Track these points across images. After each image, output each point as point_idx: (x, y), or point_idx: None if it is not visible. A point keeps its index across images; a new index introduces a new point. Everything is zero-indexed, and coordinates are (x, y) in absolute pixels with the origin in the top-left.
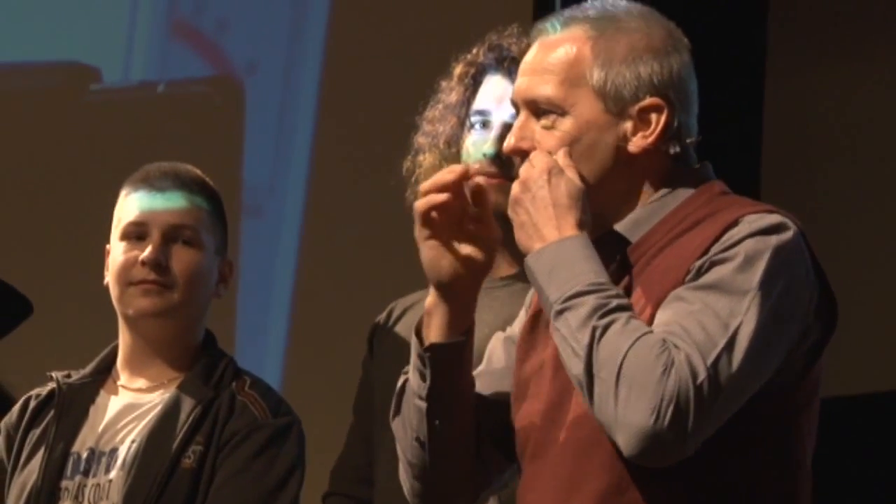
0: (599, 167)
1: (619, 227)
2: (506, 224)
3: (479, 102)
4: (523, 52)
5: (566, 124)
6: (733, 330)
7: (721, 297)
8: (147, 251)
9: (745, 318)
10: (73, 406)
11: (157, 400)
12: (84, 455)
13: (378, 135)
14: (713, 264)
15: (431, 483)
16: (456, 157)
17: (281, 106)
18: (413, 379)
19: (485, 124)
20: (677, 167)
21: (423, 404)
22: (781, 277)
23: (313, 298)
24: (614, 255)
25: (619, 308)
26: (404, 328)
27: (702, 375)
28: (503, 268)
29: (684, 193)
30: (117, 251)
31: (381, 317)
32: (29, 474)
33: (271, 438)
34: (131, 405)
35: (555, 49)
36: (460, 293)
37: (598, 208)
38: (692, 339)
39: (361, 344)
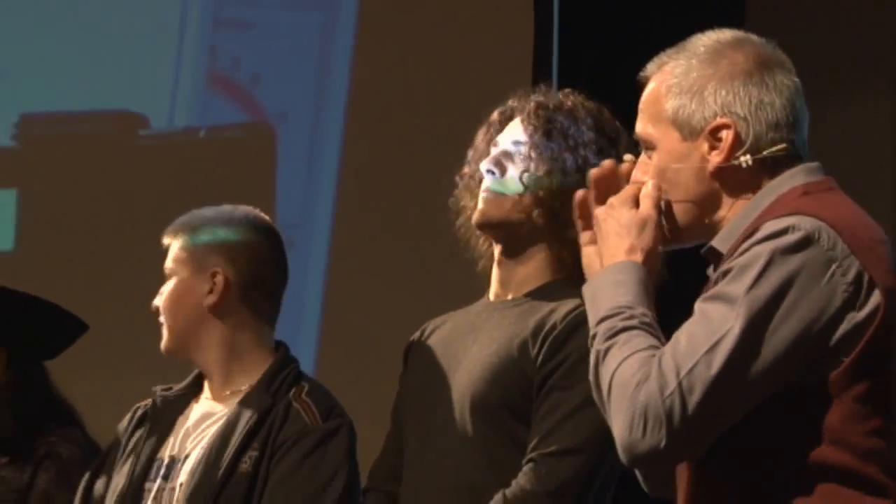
0: (687, 190)
1: (714, 240)
2: (508, 247)
3: (498, 137)
4: (542, 103)
5: (656, 157)
6: (718, 337)
7: (717, 306)
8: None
9: (734, 324)
10: (164, 416)
11: (227, 409)
12: (166, 461)
13: (395, 174)
14: (723, 274)
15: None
16: (477, 188)
17: (309, 149)
18: None
19: None
20: (765, 176)
21: None
22: (774, 281)
23: (340, 324)
24: (716, 266)
25: (624, 329)
26: (435, 342)
27: (670, 387)
28: (513, 290)
29: (769, 200)
30: None
31: (416, 335)
32: (121, 476)
33: (319, 442)
34: (207, 414)
35: (647, 89)
36: None
37: (704, 224)
38: (676, 350)
39: (385, 366)
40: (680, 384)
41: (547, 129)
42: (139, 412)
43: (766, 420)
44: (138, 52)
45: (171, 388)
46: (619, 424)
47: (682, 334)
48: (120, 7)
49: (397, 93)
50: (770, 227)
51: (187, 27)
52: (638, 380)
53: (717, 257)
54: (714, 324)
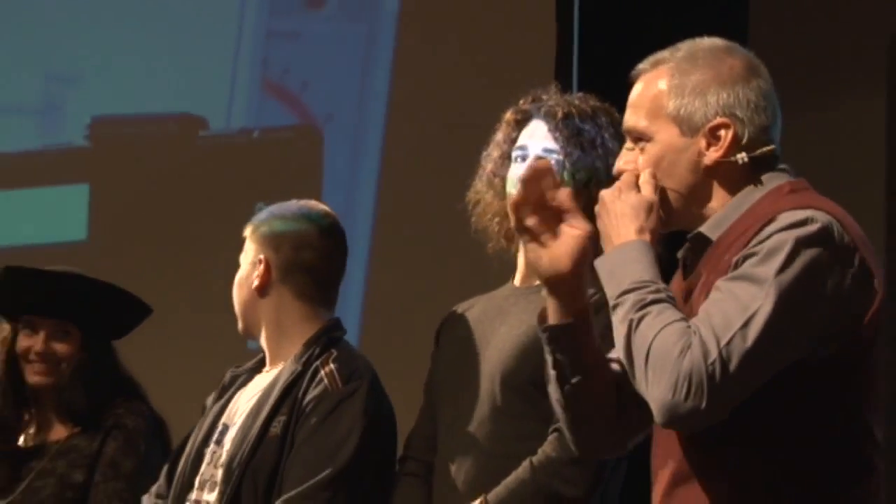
0: (681, 180)
1: (703, 228)
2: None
3: (521, 140)
4: (558, 104)
5: (652, 148)
6: (751, 314)
7: (745, 286)
8: None
9: (764, 302)
10: (231, 387)
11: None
12: (220, 428)
13: (432, 172)
14: (746, 258)
15: (580, 434)
16: (500, 185)
17: (353, 148)
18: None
19: (524, 158)
20: (753, 173)
21: (553, 373)
22: (799, 266)
23: (380, 307)
24: (702, 252)
25: (654, 301)
26: (465, 323)
27: (713, 355)
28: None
29: (758, 195)
30: None
31: (446, 316)
32: (190, 443)
33: (337, 403)
34: (257, 384)
35: (643, 86)
36: (562, 284)
37: (690, 212)
38: (712, 323)
39: (421, 347)
40: (720, 353)
41: (578, 141)
42: (218, 388)
43: (769, 393)
44: (199, 61)
45: (240, 366)
46: (661, 387)
47: (713, 309)
48: (183, 21)
49: (433, 96)
50: (789, 217)
51: (243, 38)
52: (681, 347)
53: (703, 243)
54: (744, 301)
